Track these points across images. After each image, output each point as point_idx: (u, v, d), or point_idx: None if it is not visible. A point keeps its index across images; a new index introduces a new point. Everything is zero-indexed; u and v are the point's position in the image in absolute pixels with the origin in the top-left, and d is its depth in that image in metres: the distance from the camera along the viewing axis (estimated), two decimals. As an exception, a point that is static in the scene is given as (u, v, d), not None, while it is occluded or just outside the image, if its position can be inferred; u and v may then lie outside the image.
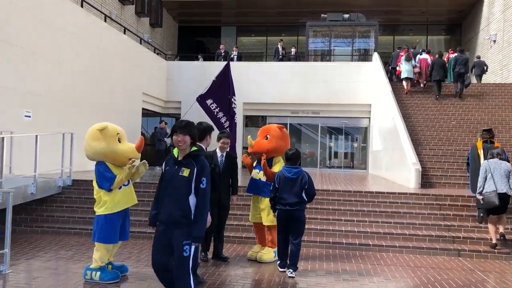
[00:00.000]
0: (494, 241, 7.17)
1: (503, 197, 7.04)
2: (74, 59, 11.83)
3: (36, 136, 8.10)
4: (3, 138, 7.36)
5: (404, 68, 15.74)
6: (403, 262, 6.69)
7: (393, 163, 12.38)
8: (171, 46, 25.07)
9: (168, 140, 15.47)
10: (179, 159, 4.14)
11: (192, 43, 26.17)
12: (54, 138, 9.15)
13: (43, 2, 10.59)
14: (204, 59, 20.74)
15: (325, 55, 21.91)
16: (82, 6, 13.05)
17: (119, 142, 5.34)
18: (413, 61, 16.03)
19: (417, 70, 16.26)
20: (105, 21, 14.83)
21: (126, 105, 14.86)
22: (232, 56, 19.85)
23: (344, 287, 5.39)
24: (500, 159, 7.27)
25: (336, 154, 20.47)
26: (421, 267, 6.48)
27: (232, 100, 13.01)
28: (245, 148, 16.62)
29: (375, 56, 17.47)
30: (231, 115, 12.25)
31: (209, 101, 13.07)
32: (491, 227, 7.28)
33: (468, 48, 23.76)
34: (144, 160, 5.56)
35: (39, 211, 8.50)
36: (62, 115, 11.19)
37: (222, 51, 19.85)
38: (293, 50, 20.77)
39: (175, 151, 4.20)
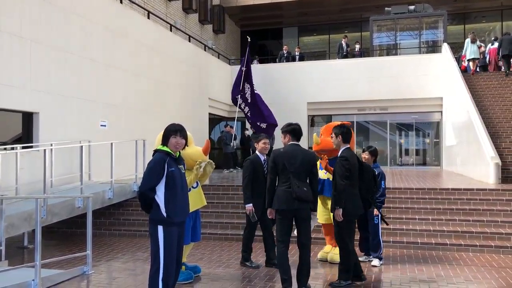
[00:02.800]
0: None
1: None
2: (145, 69, 12.37)
3: (111, 144, 8.54)
4: (82, 147, 7.84)
5: (470, 50, 16.15)
6: (485, 262, 6.28)
7: (469, 158, 11.70)
8: (235, 51, 25.47)
9: (235, 143, 15.72)
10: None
11: (254, 46, 26.44)
12: (128, 145, 9.60)
13: (116, 17, 11.18)
14: (266, 62, 20.85)
15: (391, 49, 21.21)
16: (148, 17, 13.62)
17: (187, 145, 5.48)
18: (478, 42, 16.59)
19: (482, 49, 17.05)
20: (171, 30, 15.36)
21: (193, 111, 15.31)
22: (294, 56, 19.80)
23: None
24: None
25: (407, 151, 19.72)
26: (505, 267, 6.04)
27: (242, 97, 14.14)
28: (309, 148, 16.46)
29: (445, 47, 16.63)
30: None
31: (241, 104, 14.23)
32: None
33: (550, 31, 21.94)
34: (210, 160, 5.65)
35: (116, 215, 8.95)
36: (135, 123, 11.72)
37: (285, 52, 19.87)
38: (357, 46, 20.33)
39: (171, 151, 4.16)
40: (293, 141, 5.00)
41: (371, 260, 6.32)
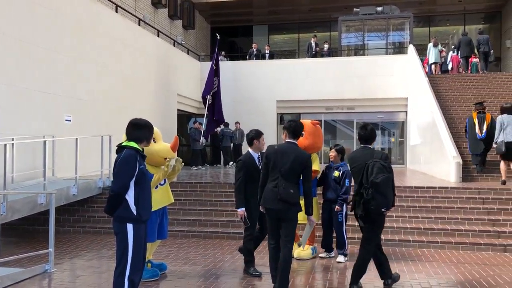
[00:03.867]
0: (503, 178, 8.80)
1: (509, 146, 8.59)
2: (113, 63, 12.14)
3: (76, 139, 8.35)
4: (45, 141, 7.63)
5: (433, 54, 17.10)
6: (446, 258, 6.49)
7: (432, 157, 12.04)
8: (204, 47, 25.32)
9: (204, 140, 15.65)
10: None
11: (224, 44, 26.37)
12: (94, 140, 9.40)
13: (82, 9, 10.92)
14: (236, 59, 20.83)
15: (359, 50, 21.57)
16: (116, 11, 13.36)
17: (154, 142, 5.42)
18: (440, 46, 17.61)
19: (444, 54, 17.96)
20: (139, 25, 15.13)
21: (161, 106, 15.14)
22: (264, 54, 19.85)
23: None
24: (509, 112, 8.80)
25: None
26: (464, 263, 6.27)
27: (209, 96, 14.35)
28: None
29: (411, 49, 17.04)
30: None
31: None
32: (502, 166, 8.97)
33: (508, 36, 22.84)
34: (178, 157, 5.61)
35: (81, 212, 8.76)
36: (102, 118, 11.49)
37: (255, 50, 19.89)
38: (326, 46, 20.57)
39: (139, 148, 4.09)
40: (289, 138, 4.81)
41: (332, 257, 6.45)
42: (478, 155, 9.88)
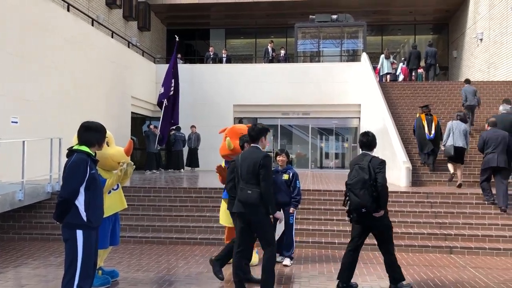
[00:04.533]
0: (451, 172, 9.67)
1: (459, 149, 9.38)
2: (64, 64, 11.73)
3: (23, 142, 8.00)
4: (-11, 144, 7.25)
5: (385, 65, 17.87)
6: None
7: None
8: (160, 49, 24.99)
9: (156, 143, 15.38)
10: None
11: (181, 46, 26.13)
12: (42, 143, 9.04)
13: (31, 6, 10.49)
14: (193, 62, 20.69)
15: (314, 56, 21.98)
16: (68, 10, 12.94)
17: (108, 145, 5.28)
18: (391, 58, 18.43)
19: (395, 66, 18.93)
20: (93, 25, 14.73)
21: (115, 109, 14.77)
22: (221, 58, 19.83)
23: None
24: (461, 120, 9.61)
25: (327, 154, 20.51)
26: (413, 265, 6.48)
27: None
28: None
29: (364, 57, 17.53)
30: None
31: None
32: (450, 166, 9.75)
33: (455, 47, 23.95)
34: (130, 161, 5.47)
35: (27, 218, 8.38)
36: (52, 120, 11.07)
37: (211, 54, 19.82)
38: (282, 51, 20.80)
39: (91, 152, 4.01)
40: (252, 143, 4.91)
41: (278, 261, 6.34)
42: (426, 153, 10.59)
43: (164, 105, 14.90)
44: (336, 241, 7.49)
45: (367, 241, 7.47)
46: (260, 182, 4.63)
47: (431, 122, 10.37)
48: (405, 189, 9.23)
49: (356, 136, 18.76)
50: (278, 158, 6.54)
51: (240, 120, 19.11)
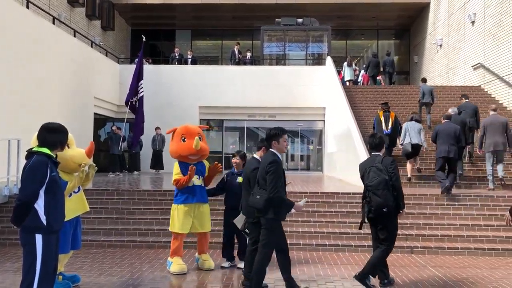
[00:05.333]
0: (409, 176, 10.33)
1: (415, 146, 10.10)
2: (23, 63, 11.32)
3: (-21, 143, 7.68)
4: None
5: (347, 72, 18.56)
6: (359, 261, 6.80)
7: (347, 164, 12.61)
8: (124, 49, 24.57)
9: (124, 145, 15.11)
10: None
11: (145, 47, 25.78)
12: (0, 145, 8.71)
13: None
14: (158, 63, 20.44)
15: (280, 59, 22.14)
16: (27, 7, 12.53)
17: (68, 147, 5.14)
18: (353, 66, 19.32)
19: (357, 73, 19.80)
20: (53, 23, 14.30)
21: (77, 110, 14.38)
22: (187, 59, 19.67)
23: (301, 288, 5.42)
24: (416, 121, 10.47)
25: (292, 156, 20.68)
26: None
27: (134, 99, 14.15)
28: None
29: (328, 60, 17.81)
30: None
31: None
32: (408, 166, 10.41)
33: (416, 52, 24.68)
34: (92, 163, 5.34)
35: (-17, 222, 8.04)
36: (10, 121, 10.65)
37: (177, 54, 19.64)
38: (248, 54, 20.85)
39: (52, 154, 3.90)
40: (269, 148, 5.05)
41: (234, 265, 6.30)
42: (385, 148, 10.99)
43: (136, 106, 14.58)
44: (301, 243, 7.56)
45: (331, 241, 7.61)
46: (267, 188, 4.70)
47: (389, 118, 10.89)
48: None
49: (321, 138, 19.01)
50: (233, 160, 6.39)
51: (207, 122, 19.05)
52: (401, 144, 10.45)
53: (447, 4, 20.22)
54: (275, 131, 4.96)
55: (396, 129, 10.79)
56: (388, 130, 10.71)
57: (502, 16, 15.31)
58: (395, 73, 19.65)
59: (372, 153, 5.56)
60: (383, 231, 5.31)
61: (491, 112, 10.13)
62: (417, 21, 24.55)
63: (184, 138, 6.07)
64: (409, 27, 25.93)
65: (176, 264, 5.91)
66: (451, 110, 10.49)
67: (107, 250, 7.32)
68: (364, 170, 5.35)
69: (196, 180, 6.06)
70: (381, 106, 11.47)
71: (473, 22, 17.50)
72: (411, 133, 10.21)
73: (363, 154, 10.75)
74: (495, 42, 15.80)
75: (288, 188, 9.79)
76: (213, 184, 6.49)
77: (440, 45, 20.81)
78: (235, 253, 6.38)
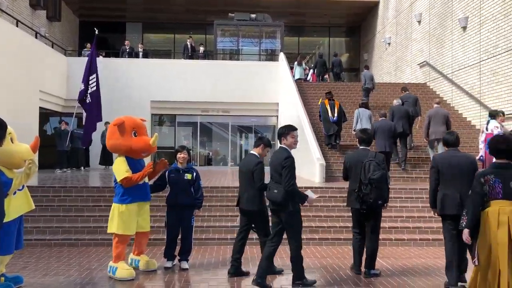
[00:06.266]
0: None
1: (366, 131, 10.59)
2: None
3: None
4: None
5: (298, 71, 18.92)
6: (310, 254, 6.92)
7: (300, 159, 12.75)
8: (72, 41, 23.68)
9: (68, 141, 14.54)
10: None
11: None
12: None
13: None
14: (107, 56, 19.84)
15: (233, 54, 22.10)
16: (-35, -6, 11.80)
17: (12, 142, 4.89)
18: (303, 65, 19.88)
19: (307, 72, 20.27)
20: (-6, 12, 13.57)
21: (20, 104, 13.71)
22: (137, 52, 19.23)
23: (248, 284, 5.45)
24: (365, 107, 11.37)
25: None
26: (326, 257, 6.75)
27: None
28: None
29: (281, 56, 17.96)
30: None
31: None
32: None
33: (366, 50, 25.36)
34: (32, 159, 5.08)
35: None
36: None
37: (127, 48, 19.15)
38: (201, 48, 20.67)
39: None
40: (281, 144, 5.34)
41: (175, 264, 6.04)
42: (331, 135, 11.74)
43: (87, 100, 13.89)
44: (254, 237, 7.57)
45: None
46: (283, 182, 4.99)
47: (334, 107, 11.56)
48: (319, 185, 9.59)
49: (275, 134, 19.16)
50: (179, 156, 6.02)
51: (159, 117, 18.75)
52: (354, 130, 11.04)
53: (395, 3, 20.90)
54: (282, 129, 5.39)
55: (341, 117, 11.59)
56: (335, 118, 11.49)
57: (446, 17, 16.01)
58: (342, 73, 20.56)
59: (361, 148, 5.81)
60: (373, 223, 5.68)
61: (435, 105, 11.03)
62: (367, 19, 25.22)
63: (135, 132, 5.70)
64: (359, 25, 26.59)
65: (123, 269, 5.47)
66: (396, 102, 11.39)
67: (54, 249, 7.05)
68: (359, 162, 5.56)
69: (147, 179, 5.83)
70: (325, 95, 12.13)
71: (419, 22, 18.19)
72: (363, 120, 11.00)
73: (314, 149, 10.96)
74: (439, 42, 16.50)
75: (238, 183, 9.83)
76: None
77: (389, 43, 21.49)
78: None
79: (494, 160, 4.30)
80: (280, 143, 5.33)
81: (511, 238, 3.85)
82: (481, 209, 4.06)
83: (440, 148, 10.37)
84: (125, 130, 5.64)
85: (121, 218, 5.54)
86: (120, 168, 5.57)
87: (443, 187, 5.03)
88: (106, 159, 15.86)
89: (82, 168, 15.46)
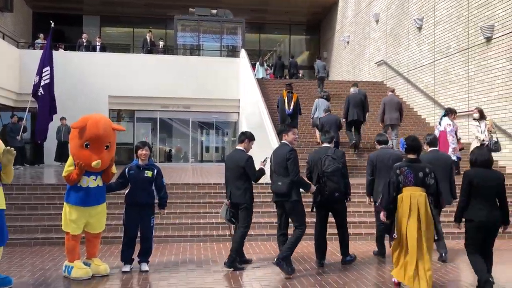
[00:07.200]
0: (318, 140, 10.54)
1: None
2: None
3: None
4: None
5: (260, 71, 19.68)
6: (271, 249, 6.96)
7: (260, 155, 12.81)
8: (25, 33, 22.74)
9: (23, 136, 13.99)
10: None
11: (49, 31, 24.04)
12: None
13: None
14: (64, 49, 19.18)
15: (194, 50, 21.89)
16: None
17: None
18: (265, 65, 20.79)
19: (268, 72, 21.02)
20: None
21: (-31, 98, 13.07)
22: (95, 46, 18.69)
23: (215, 278, 5.43)
24: (325, 99, 12.08)
25: (207, 148, 20.63)
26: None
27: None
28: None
29: (243, 53, 17.94)
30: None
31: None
32: (317, 134, 11.29)
33: (325, 48, 25.74)
34: (8, 147, 4.85)
35: None
36: None
37: (85, 41, 18.57)
38: (161, 43, 20.35)
39: None
40: (282, 140, 5.79)
41: (132, 268, 5.73)
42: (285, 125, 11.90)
43: (39, 94, 13.31)
44: (215, 234, 7.57)
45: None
46: (290, 174, 5.46)
47: (291, 100, 11.87)
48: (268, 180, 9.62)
49: (236, 130, 19.14)
50: (140, 152, 5.73)
51: (118, 113, 18.33)
52: (312, 118, 11.93)
53: (354, 3, 21.30)
54: (283, 127, 5.94)
55: (297, 110, 11.92)
56: (290, 111, 11.81)
57: (402, 17, 16.47)
58: (298, 74, 21.26)
59: (324, 145, 6.16)
60: (338, 217, 6.04)
61: (389, 93, 11.94)
62: (327, 18, 25.59)
63: (88, 144, 5.27)
64: (319, 24, 26.95)
65: (79, 269, 5.28)
66: (352, 90, 11.96)
67: (6, 250, 6.72)
68: (318, 159, 5.85)
69: (92, 181, 5.39)
70: (285, 86, 12.40)
71: (377, 21, 18.62)
72: (320, 110, 11.67)
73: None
74: (396, 41, 16.96)
75: (204, 180, 9.77)
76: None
77: (347, 42, 21.89)
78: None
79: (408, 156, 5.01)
80: (281, 140, 5.82)
81: (420, 218, 4.67)
82: (396, 194, 4.83)
83: (394, 135, 11.37)
84: (80, 136, 5.30)
85: (67, 217, 5.37)
86: (66, 164, 5.41)
87: (377, 178, 6.17)
88: (62, 155, 15.35)
89: (21, 167, 14.83)
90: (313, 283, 5.25)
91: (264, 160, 6.08)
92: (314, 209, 6.06)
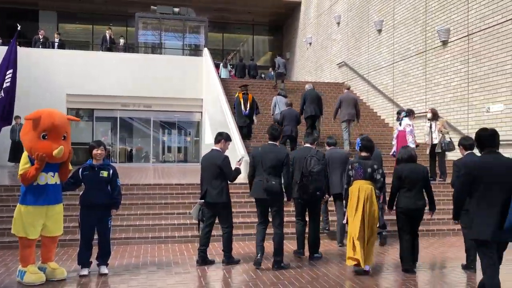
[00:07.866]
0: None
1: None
2: None
3: None
4: None
5: (223, 72, 19.72)
6: (245, 248, 6.92)
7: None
8: (-24, 28, 21.73)
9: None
10: None
11: (2, 27, 23.09)
12: None
13: None
14: (18, 45, 18.41)
15: (156, 48, 21.55)
16: None
17: None
18: (229, 67, 20.85)
19: (232, 73, 21.10)
20: None
21: None
22: (53, 43, 18.08)
23: (176, 280, 5.34)
24: (283, 96, 12.49)
25: (169, 148, 20.35)
26: (249, 252, 6.77)
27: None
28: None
29: (205, 52, 17.81)
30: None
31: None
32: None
33: (288, 49, 25.93)
34: None
35: None
36: None
37: (41, 37, 17.93)
38: (121, 40, 19.93)
39: None
40: (270, 140, 6.06)
41: (90, 271, 5.55)
42: (242, 127, 12.10)
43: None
44: (177, 235, 7.45)
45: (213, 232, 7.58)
46: (283, 176, 5.85)
47: (247, 101, 12.14)
48: (243, 180, 9.58)
49: (199, 130, 18.97)
50: (95, 152, 5.53)
51: (76, 112, 17.78)
52: (273, 115, 12.27)
53: (316, 4, 21.57)
54: (277, 132, 6.24)
55: (253, 110, 12.21)
56: (246, 112, 12.11)
57: (363, 20, 16.80)
58: (257, 75, 21.46)
59: (306, 145, 6.57)
60: (314, 213, 6.45)
61: (345, 90, 12.29)
62: (290, 18, 25.78)
63: (46, 135, 5.11)
64: (282, 24, 27.11)
65: (31, 274, 5.06)
66: (308, 86, 12.22)
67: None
68: (302, 158, 6.22)
69: (51, 178, 5.22)
70: (240, 88, 12.57)
71: (338, 23, 18.91)
72: (280, 106, 12.06)
73: (239, 145, 10.98)
74: (356, 43, 17.29)
75: (165, 181, 9.61)
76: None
77: (310, 43, 22.14)
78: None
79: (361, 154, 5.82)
80: (275, 141, 6.09)
81: (365, 207, 5.48)
82: (348, 186, 5.73)
83: (344, 131, 11.81)
84: (35, 128, 5.10)
85: (23, 220, 5.10)
86: (21, 163, 5.15)
87: (332, 174, 6.92)
88: (16, 155, 14.73)
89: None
90: (275, 282, 5.25)
91: (240, 160, 6.32)
92: (293, 203, 6.51)
